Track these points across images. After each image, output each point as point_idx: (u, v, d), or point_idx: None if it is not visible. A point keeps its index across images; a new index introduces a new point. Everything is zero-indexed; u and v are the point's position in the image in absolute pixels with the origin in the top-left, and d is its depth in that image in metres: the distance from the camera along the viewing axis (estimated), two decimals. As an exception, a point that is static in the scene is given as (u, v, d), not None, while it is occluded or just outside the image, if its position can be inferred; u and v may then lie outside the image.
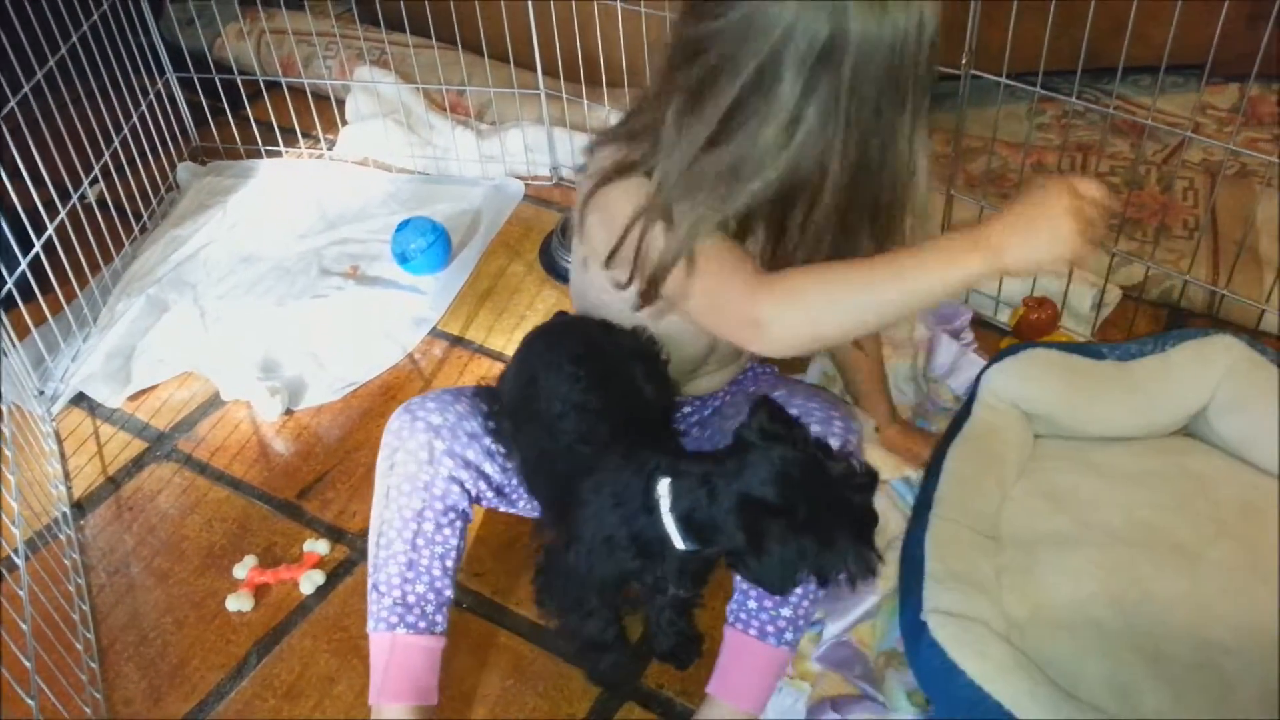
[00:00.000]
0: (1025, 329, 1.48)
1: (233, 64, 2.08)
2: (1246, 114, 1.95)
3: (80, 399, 1.55)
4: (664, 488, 0.91)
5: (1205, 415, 1.28)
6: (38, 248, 1.51)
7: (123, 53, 1.78)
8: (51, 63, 1.60)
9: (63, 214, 1.57)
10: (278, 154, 2.02)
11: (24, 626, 1.07)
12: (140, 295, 1.68)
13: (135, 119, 1.82)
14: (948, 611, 1.05)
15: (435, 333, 1.63)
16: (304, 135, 2.03)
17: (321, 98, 2.08)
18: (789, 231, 0.96)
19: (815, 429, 1.03)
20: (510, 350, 1.57)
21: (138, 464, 1.45)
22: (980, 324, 1.55)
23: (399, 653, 1.06)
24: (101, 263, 1.70)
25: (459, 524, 1.08)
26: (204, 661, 1.21)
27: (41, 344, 1.56)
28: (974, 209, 1.54)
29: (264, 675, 1.19)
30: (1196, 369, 1.27)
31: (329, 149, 2.03)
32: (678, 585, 0.97)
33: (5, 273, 1.49)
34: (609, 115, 1.80)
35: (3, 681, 1.02)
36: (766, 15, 0.85)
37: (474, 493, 1.08)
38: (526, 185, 1.92)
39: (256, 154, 2.02)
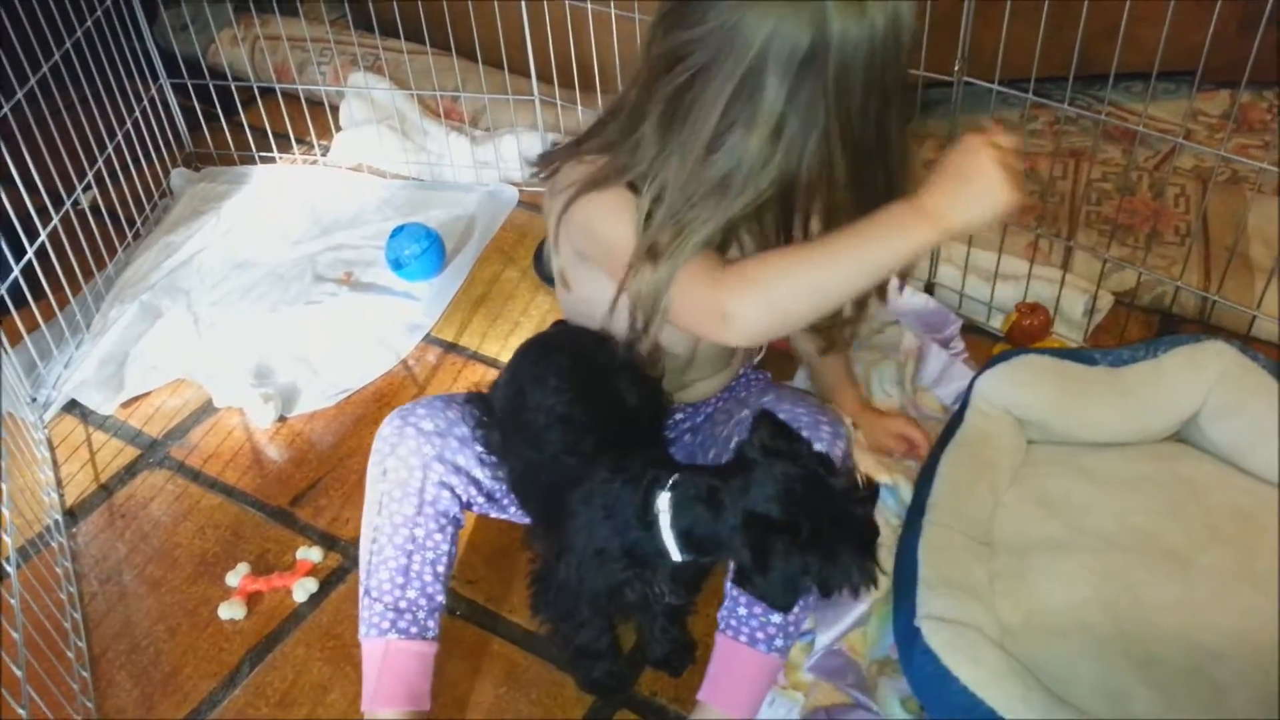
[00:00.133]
0: (1018, 335, 1.49)
1: (227, 70, 2.08)
2: (1237, 120, 1.96)
3: (73, 406, 1.55)
4: (664, 502, 0.91)
5: (1197, 421, 1.28)
6: (30, 254, 1.51)
7: (116, 59, 1.78)
8: (45, 69, 1.60)
9: (56, 220, 1.57)
10: (272, 160, 2.01)
11: (15, 635, 1.07)
12: (133, 302, 1.68)
13: (129, 125, 1.82)
14: (941, 618, 1.05)
15: (429, 339, 1.63)
16: (298, 141, 2.03)
17: (316, 104, 2.08)
18: (794, 235, 0.96)
19: (803, 434, 1.03)
20: (505, 356, 1.57)
21: (130, 471, 1.45)
22: (973, 330, 1.56)
23: (391, 658, 1.06)
24: (95, 269, 1.70)
25: (450, 529, 1.08)
26: (196, 670, 1.20)
27: (34, 351, 1.56)
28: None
29: (257, 683, 1.19)
30: (1188, 375, 1.27)
31: (323, 155, 2.03)
32: (671, 594, 0.98)
33: (-2, 279, 1.49)
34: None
35: (-6, 690, 1.02)
36: (747, 22, 0.85)
37: (465, 498, 1.08)
38: (521, 191, 1.92)
39: (250, 160, 2.02)
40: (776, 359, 1.49)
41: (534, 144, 1.91)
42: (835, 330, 1.10)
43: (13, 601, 1.10)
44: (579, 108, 1.83)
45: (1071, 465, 1.27)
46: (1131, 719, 1.02)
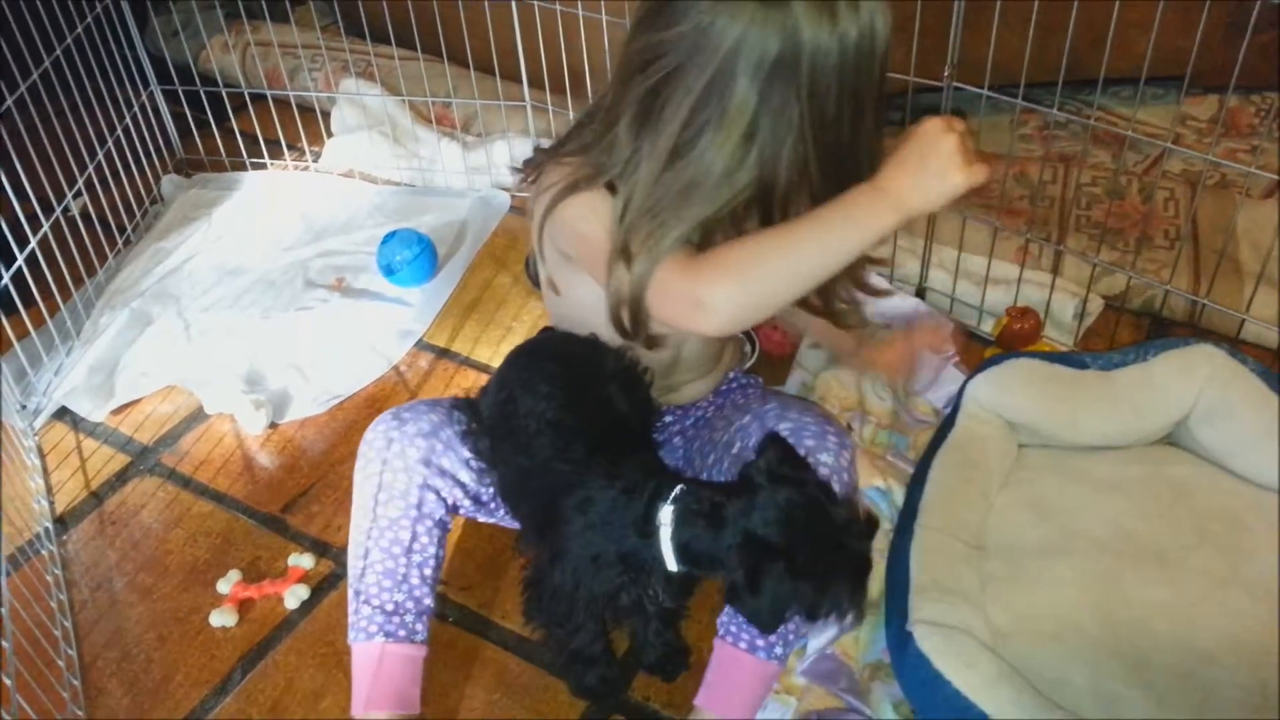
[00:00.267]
0: (1008, 339, 1.49)
1: (218, 76, 2.08)
2: (1226, 124, 1.97)
3: (63, 413, 1.54)
4: (666, 515, 0.91)
5: (1187, 424, 1.29)
6: (20, 261, 1.51)
7: (107, 65, 1.77)
8: (35, 75, 1.59)
9: (46, 227, 1.57)
10: (263, 166, 2.01)
11: (5, 644, 1.06)
12: (124, 308, 1.67)
13: (119, 131, 1.81)
14: (933, 622, 1.05)
15: (421, 345, 1.63)
16: (289, 147, 2.03)
17: (307, 110, 2.08)
18: None
19: (809, 443, 1.04)
20: (497, 362, 1.57)
21: (121, 479, 1.45)
22: (967, 334, 1.56)
23: (381, 662, 1.06)
24: (85, 276, 1.69)
25: (437, 533, 1.08)
26: (188, 678, 1.20)
27: (24, 358, 1.55)
28: (956, 221, 1.55)
29: (248, 691, 1.18)
30: (1178, 378, 1.28)
31: (314, 161, 2.03)
32: (664, 598, 0.98)
33: (-12, 286, 1.48)
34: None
35: (-17, 699, 1.02)
36: (718, 25, 0.87)
37: (451, 501, 1.09)
38: (512, 197, 1.92)
39: (241, 166, 2.01)
40: (768, 364, 1.50)
41: (526, 149, 1.91)
42: (832, 302, 1.10)
43: (2, 610, 1.10)
44: (570, 113, 1.83)
45: (1062, 469, 1.28)
46: (1123, 722, 1.02)
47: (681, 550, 0.92)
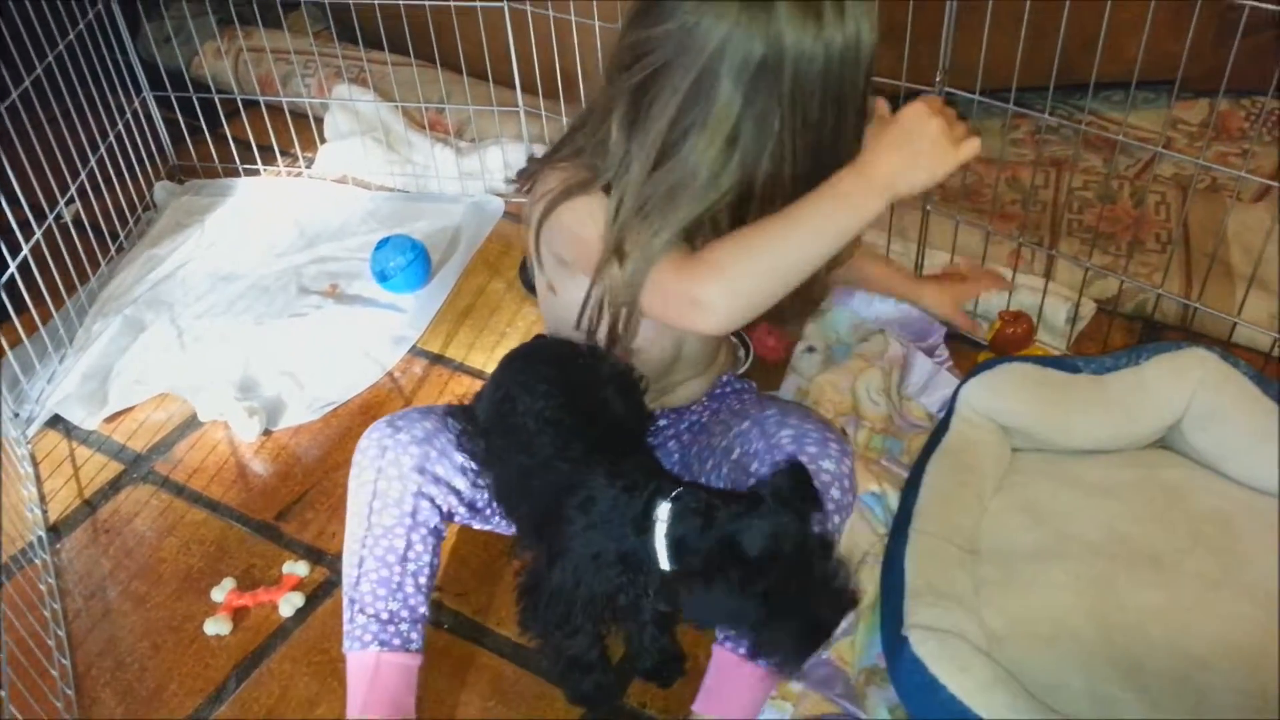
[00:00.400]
0: (1001, 343, 1.49)
1: (210, 82, 2.08)
2: (1216, 128, 1.98)
3: (56, 421, 1.53)
4: (663, 511, 0.91)
5: (1180, 427, 1.29)
6: (13, 268, 1.50)
7: (99, 71, 1.77)
8: (27, 82, 1.59)
9: (38, 234, 1.56)
10: (256, 172, 2.01)
11: (-2, 653, 1.06)
12: (117, 315, 1.67)
13: (112, 138, 1.81)
14: (928, 626, 1.06)
15: (415, 351, 1.63)
16: (282, 153, 2.03)
17: (300, 116, 2.08)
18: None
19: (811, 450, 1.04)
20: (491, 368, 1.56)
21: (114, 486, 1.44)
22: (957, 338, 1.56)
23: (375, 671, 1.06)
24: (78, 283, 1.69)
25: (432, 540, 1.08)
26: (182, 686, 1.19)
27: (17, 366, 1.55)
28: (949, 225, 1.55)
29: (243, 699, 1.18)
30: (1170, 382, 1.28)
31: (307, 167, 2.03)
32: (659, 600, 0.98)
33: (-21, 294, 1.48)
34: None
35: (-24, 710, 1.01)
36: (703, 25, 0.87)
37: (445, 508, 1.09)
38: (506, 202, 1.92)
39: (234, 173, 2.01)
40: (762, 369, 1.50)
41: (519, 155, 1.91)
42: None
43: (-5, 620, 1.10)
44: (564, 118, 1.83)
45: (1056, 472, 1.28)
46: (1118, 725, 1.02)
47: (675, 546, 0.91)
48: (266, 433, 1.50)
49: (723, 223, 0.96)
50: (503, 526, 1.16)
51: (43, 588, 1.28)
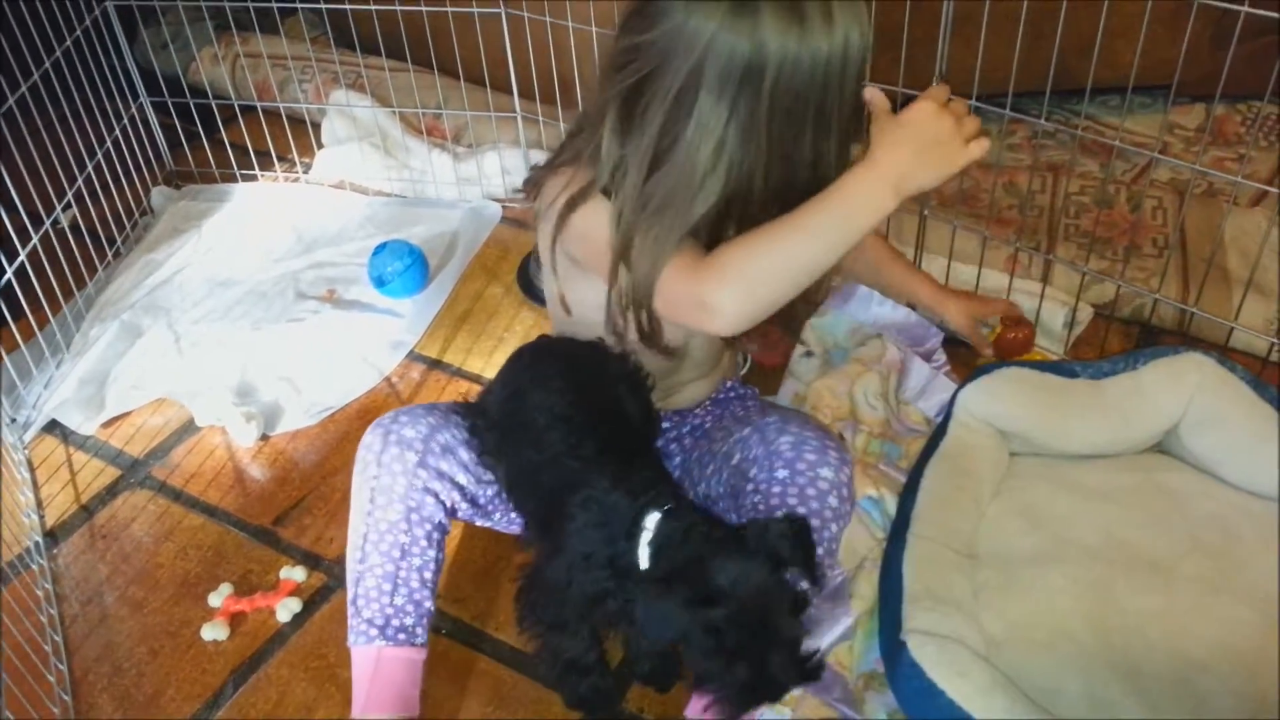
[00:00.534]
0: (1002, 348, 1.49)
1: (207, 88, 2.08)
2: (1212, 133, 1.99)
3: (53, 426, 1.53)
4: (651, 520, 0.92)
5: (1177, 432, 1.29)
6: (10, 273, 1.50)
7: (96, 77, 1.77)
8: (24, 88, 1.59)
9: (35, 239, 1.56)
10: (253, 178, 2.01)
11: (-5, 659, 1.06)
12: (114, 321, 1.66)
13: (109, 143, 1.81)
14: (926, 631, 1.05)
15: (413, 356, 1.63)
16: (280, 159, 2.03)
17: (297, 121, 2.08)
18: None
19: (810, 457, 1.04)
20: (489, 373, 1.57)
21: (111, 492, 1.44)
22: (955, 343, 1.56)
23: (381, 665, 1.07)
24: (75, 288, 1.69)
25: (436, 536, 1.09)
26: (179, 692, 1.19)
27: (13, 371, 1.54)
28: (946, 230, 1.56)
29: (241, 705, 1.18)
30: (1168, 386, 1.28)
31: (305, 173, 2.03)
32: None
33: (-23, 299, 1.48)
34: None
35: (-27, 716, 1.01)
36: (690, 26, 0.88)
37: (449, 504, 1.09)
38: (504, 208, 1.92)
39: (232, 178, 2.01)
40: (760, 374, 1.50)
41: (516, 160, 1.92)
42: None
43: (-8, 625, 1.10)
44: (561, 123, 1.83)
45: (1054, 477, 1.28)
46: (1117, 730, 1.02)
47: (654, 555, 0.91)
48: (264, 438, 1.50)
49: (701, 235, 0.97)
50: (504, 524, 1.16)
51: (40, 593, 1.28)
